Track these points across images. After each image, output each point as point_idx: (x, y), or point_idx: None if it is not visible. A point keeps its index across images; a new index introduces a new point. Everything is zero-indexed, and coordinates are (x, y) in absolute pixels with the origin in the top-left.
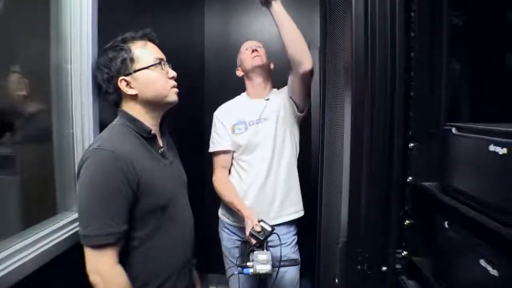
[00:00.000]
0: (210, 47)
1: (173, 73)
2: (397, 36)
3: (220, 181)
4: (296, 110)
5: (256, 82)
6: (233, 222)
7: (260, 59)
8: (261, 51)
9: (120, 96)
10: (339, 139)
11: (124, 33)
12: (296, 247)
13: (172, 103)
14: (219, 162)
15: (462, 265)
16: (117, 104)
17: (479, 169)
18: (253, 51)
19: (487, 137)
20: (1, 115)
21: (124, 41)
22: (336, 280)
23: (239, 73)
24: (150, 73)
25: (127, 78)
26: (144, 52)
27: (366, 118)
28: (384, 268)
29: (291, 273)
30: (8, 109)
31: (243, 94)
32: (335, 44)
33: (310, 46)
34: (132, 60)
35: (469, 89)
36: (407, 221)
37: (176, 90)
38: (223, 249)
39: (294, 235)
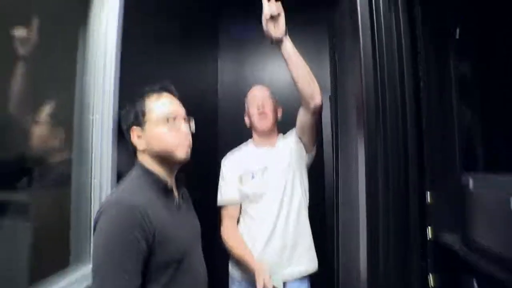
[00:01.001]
0: (224, 94)
1: (184, 130)
2: (406, 86)
3: (228, 232)
4: (304, 152)
5: (262, 134)
6: (244, 278)
7: (266, 122)
8: (268, 108)
9: (135, 148)
10: (354, 190)
11: (143, 84)
12: None
13: (180, 160)
14: (227, 213)
15: None
16: (134, 154)
17: (500, 224)
18: (260, 113)
19: (507, 192)
20: (20, 160)
21: (141, 94)
22: None
23: (247, 120)
24: (159, 129)
25: (138, 129)
26: (156, 106)
27: (380, 170)
28: None
29: None
30: (28, 155)
31: (250, 142)
32: (346, 92)
33: (321, 90)
34: (143, 113)
35: (482, 132)
36: (431, 277)
37: (186, 147)
38: None
39: None
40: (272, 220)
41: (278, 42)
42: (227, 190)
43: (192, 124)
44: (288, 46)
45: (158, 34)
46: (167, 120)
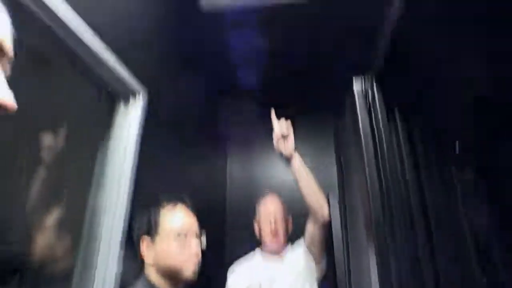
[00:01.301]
0: (233, 195)
1: (195, 248)
2: (412, 204)
3: None
4: (314, 264)
5: (272, 248)
6: None
7: (277, 242)
8: (280, 225)
9: (142, 259)
10: None
11: (156, 191)
12: None
13: (187, 278)
14: None
15: None
16: (141, 265)
17: None
18: (272, 232)
19: None
20: (19, 259)
21: (157, 203)
22: None
23: (257, 229)
24: (169, 243)
25: (148, 241)
26: (170, 219)
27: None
28: None
29: None
30: (28, 257)
31: (258, 252)
32: (354, 197)
33: (329, 196)
34: (156, 224)
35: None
36: None
37: (194, 265)
38: None
39: None
40: None
41: (288, 159)
42: None
43: (204, 239)
44: (297, 161)
45: (171, 144)
46: (179, 235)
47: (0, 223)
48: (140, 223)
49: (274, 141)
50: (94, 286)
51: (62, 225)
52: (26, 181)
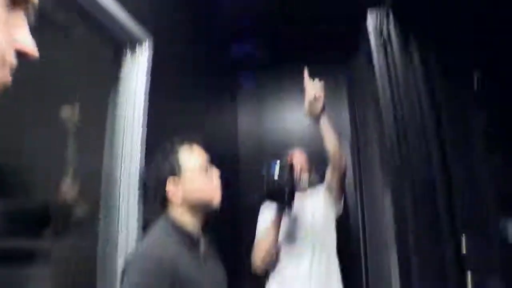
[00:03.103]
0: (244, 143)
1: (217, 177)
2: (428, 129)
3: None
4: (333, 205)
5: None
6: None
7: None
8: (304, 170)
9: (166, 199)
10: (383, 233)
11: (171, 136)
12: None
13: (215, 208)
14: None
15: None
16: (162, 207)
17: None
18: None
19: None
20: (49, 211)
21: (172, 145)
22: None
23: None
24: (197, 179)
25: (174, 181)
26: (192, 157)
27: (408, 214)
28: None
29: None
30: (57, 207)
31: None
32: (366, 135)
33: (340, 136)
34: (179, 164)
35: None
36: None
37: (220, 192)
38: None
39: None
40: (307, 262)
41: (317, 119)
42: (263, 224)
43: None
44: (325, 121)
45: (181, 92)
46: (203, 170)
47: (26, 176)
48: (161, 166)
49: (306, 102)
50: (119, 229)
51: (81, 174)
52: (43, 132)
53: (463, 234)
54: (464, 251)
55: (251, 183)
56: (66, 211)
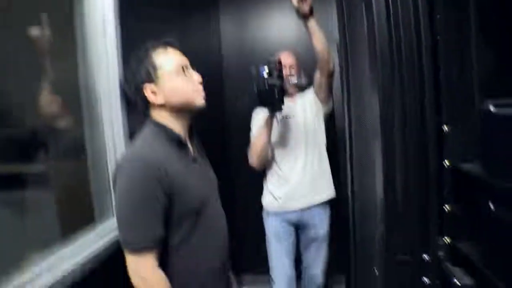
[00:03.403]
0: (227, 50)
1: (198, 77)
2: (421, 18)
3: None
4: (321, 105)
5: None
6: (278, 208)
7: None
8: (294, 71)
9: (147, 105)
10: (369, 123)
11: (146, 42)
12: (328, 226)
13: (200, 107)
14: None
15: None
16: (146, 113)
17: None
18: (287, 75)
19: None
20: (33, 133)
21: (146, 50)
22: (376, 271)
23: None
24: (175, 80)
25: (152, 86)
26: (166, 60)
27: (396, 104)
28: (426, 256)
29: (323, 248)
30: (40, 127)
31: None
32: (356, 33)
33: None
34: (154, 68)
35: (502, 65)
36: (448, 206)
37: (202, 93)
38: (268, 235)
39: (329, 215)
40: (301, 157)
41: (305, 18)
42: (257, 126)
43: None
44: (313, 21)
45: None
46: (182, 70)
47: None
48: (136, 73)
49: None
50: (105, 139)
51: (59, 87)
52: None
53: (446, 125)
54: (444, 142)
55: (236, 90)
56: (51, 131)
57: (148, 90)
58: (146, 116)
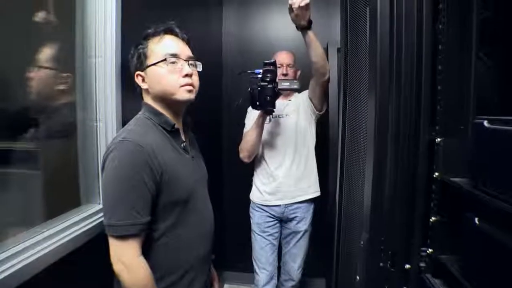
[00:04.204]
0: (228, 43)
1: (187, 70)
2: (424, 28)
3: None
4: (314, 109)
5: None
6: (263, 201)
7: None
8: (290, 70)
9: (140, 89)
10: (362, 131)
11: (147, 27)
12: (310, 222)
13: (181, 101)
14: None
15: (494, 263)
16: (140, 95)
17: None
18: (282, 73)
19: None
20: (24, 110)
21: (145, 37)
22: (357, 277)
23: None
24: (158, 70)
25: (141, 73)
26: (157, 48)
27: (391, 112)
28: (407, 266)
29: (303, 243)
30: (32, 104)
31: None
32: (357, 41)
33: (328, 44)
34: (145, 55)
35: (499, 83)
36: (433, 218)
37: (188, 88)
38: (253, 226)
39: (313, 212)
40: (290, 154)
41: (303, 30)
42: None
43: (199, 65)
44: (311, 34)
45: None
46: (167, 60)
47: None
48: (132, 59)
49: (292, 11)
50: (97, 114)
51: (55, 64)
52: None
53: (438, 139)
54: (436, 154)
55: (234, 84)
56: (42, 108)
57: (139, 77)
58: (142, 100)
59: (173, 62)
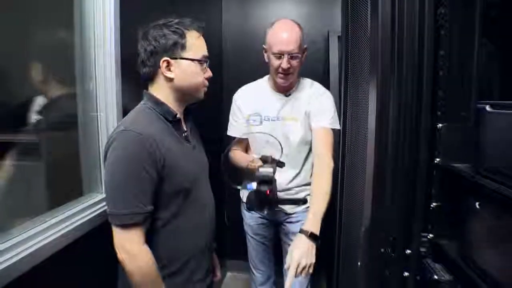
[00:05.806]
0: (228, 32)
1: (209, 74)
2: (426, 13)
3: (235, 153)
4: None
5: (279, 87)
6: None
7: (287, 82)
8: (296, 61)
9: (154, 73)
10: (363, 118)
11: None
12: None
13: (200, 98)
14: (235, 142)
15: (494, 247)
16: (147, 79)
17: None
18: (284, 71)
19: None
20: (25, 102)
21: (182, 25)
22: (359, 263)
23: (265, 56)
24: (194, 67)
25: (171, 60)
26: (197, 45)
27: (392, 98)
28: (408, 251)
29: None
30: (32, 96)
31: (266, 80)
32: (359, 25)
33: (329, 32)
34: (183, 46)
35: (501, 68)
36: (434, 203)
37: (205, 89)
38: (245, 227)
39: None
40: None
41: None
42: (235, 126)
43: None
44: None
45: None
46: (203, 60)
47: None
48: (161, 39)
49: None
50: (98, 104)
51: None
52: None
53: (440, 124)
54: (437, 140)
55: (234, 77)
56: (43, 99)
57: (165, 62)
58: (145, 83)
59: (206, 64)
